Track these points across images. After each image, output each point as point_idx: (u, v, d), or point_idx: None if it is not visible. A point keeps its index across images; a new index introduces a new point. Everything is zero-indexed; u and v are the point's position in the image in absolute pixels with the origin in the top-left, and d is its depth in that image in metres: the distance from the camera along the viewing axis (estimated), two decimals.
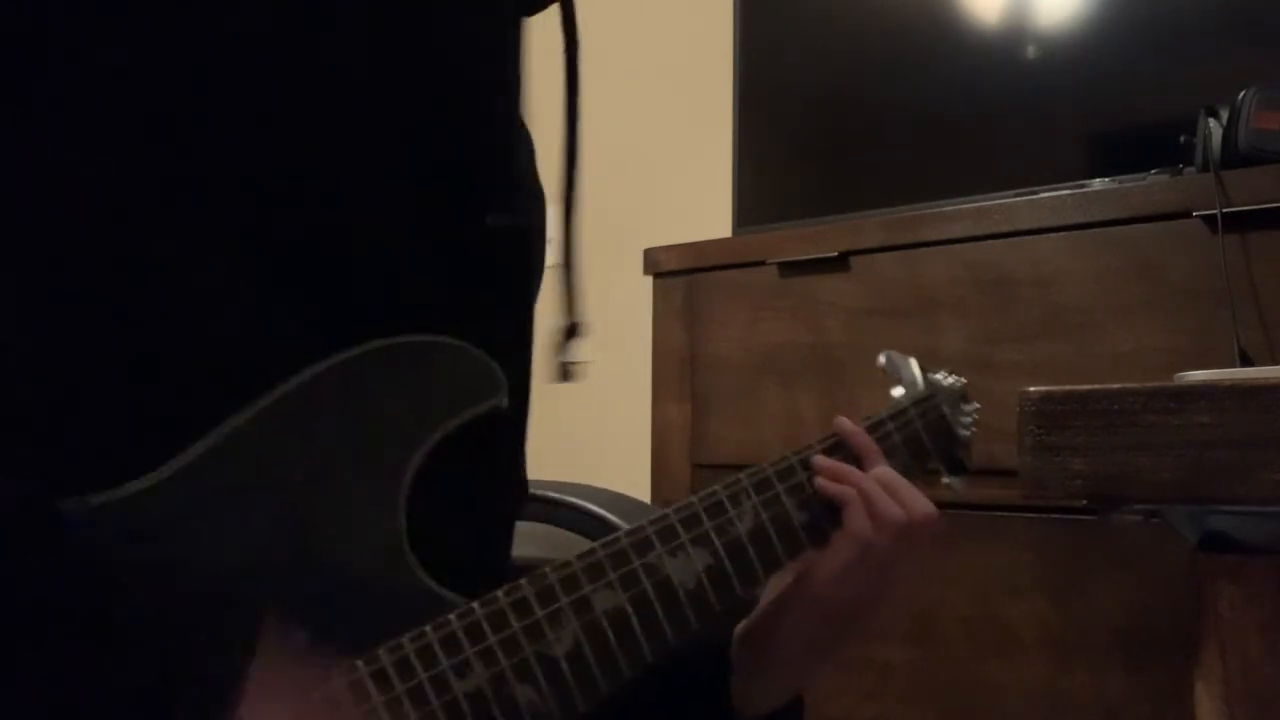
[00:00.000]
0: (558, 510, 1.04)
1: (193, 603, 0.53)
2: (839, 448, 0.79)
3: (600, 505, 1.02)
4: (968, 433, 0.92)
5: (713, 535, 0.71)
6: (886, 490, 0.75)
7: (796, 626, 0.76)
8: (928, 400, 0.89)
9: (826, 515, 0.76)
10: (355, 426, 0.61)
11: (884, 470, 0.78)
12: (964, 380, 0.94)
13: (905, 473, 0.84)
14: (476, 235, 0.68)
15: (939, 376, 0.93)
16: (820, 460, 0.77)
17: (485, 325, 0.65)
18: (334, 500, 0.59)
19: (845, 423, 0.80)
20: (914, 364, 0.93)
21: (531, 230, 0.75)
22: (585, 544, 0.76)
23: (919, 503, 0.76)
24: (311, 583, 0.58)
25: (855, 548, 0.74)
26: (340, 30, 0.62)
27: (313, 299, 0.60)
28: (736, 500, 0.73)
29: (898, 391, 0.90)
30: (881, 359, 0.93)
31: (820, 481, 0.76)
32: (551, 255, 0.77)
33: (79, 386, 0.55)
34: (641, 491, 1.67)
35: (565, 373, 0.76)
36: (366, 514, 0.60)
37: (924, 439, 0.87)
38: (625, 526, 0.69)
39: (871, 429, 0.82)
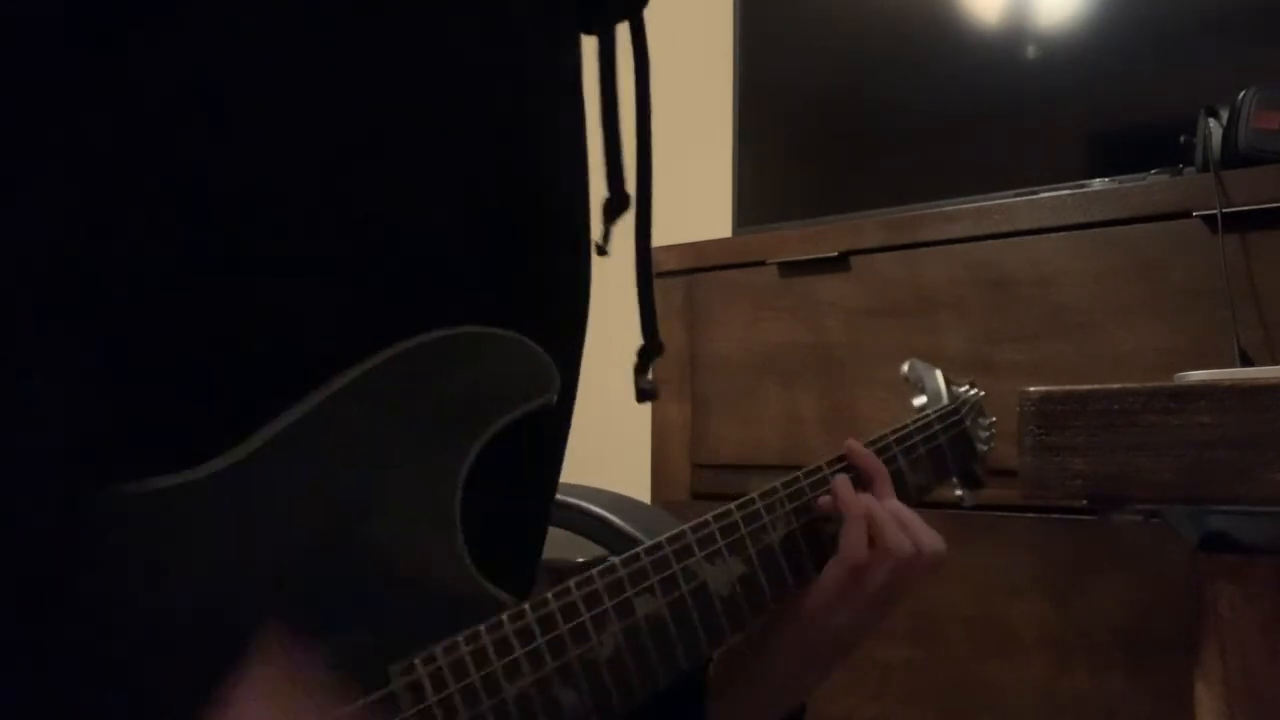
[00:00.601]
0: (559, 511, 1.04)
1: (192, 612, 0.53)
2: (851, 468, 0.79)
3: (601, 506, 1.02)
4: (986, 447, 0.92)
5: (748, 543, 0.71)
6: (896, 521, 0.74)
7: (783, 651, 0.74)
8: (953, 414, 0.89)
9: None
10: (411, 421, 0.61)
11: (894, 504, 0.76)
12: (983, 393, 0.94)
13: (926, 487, 0.84)
14: (552, 250, 0.69)
15: (962, 389, 0.93)
16: (835, 481, 0.75)
17: (542, 326, 0.65)
18: (390, 496, 0.59)
19: (855, 445, 0.79)
20: (939, 375, 0.92)
21: (582, 234, 0.75)
22: (586, 544, 0.77)
23: (928, 537, 0.74)
24: (365, 580, 0.58)
25: (846, 568, 0.72)
26: (359, 33, 0.61)
27: (353, 295, 0.60)
28: (772, 508, 0.73)
29: (919, 401, 0.90)
30: (905, 368, 0.93)
31: (824, 500, 0.75)
32: (625, 275, 0.77)
33: (128, 380, 0.55)
34: (641, 491, 1.67)
35: (646, 393, 0.77)
36: (422, 511, 0.60)
37: (947, 453, 0.87)
38: (626, 527, 0.69)
39: (899, 440, 0.82)
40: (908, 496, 0.82)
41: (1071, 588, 1.31)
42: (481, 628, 0.59)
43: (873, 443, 0.82)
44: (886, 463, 0.80)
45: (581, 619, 0.62)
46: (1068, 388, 0.66)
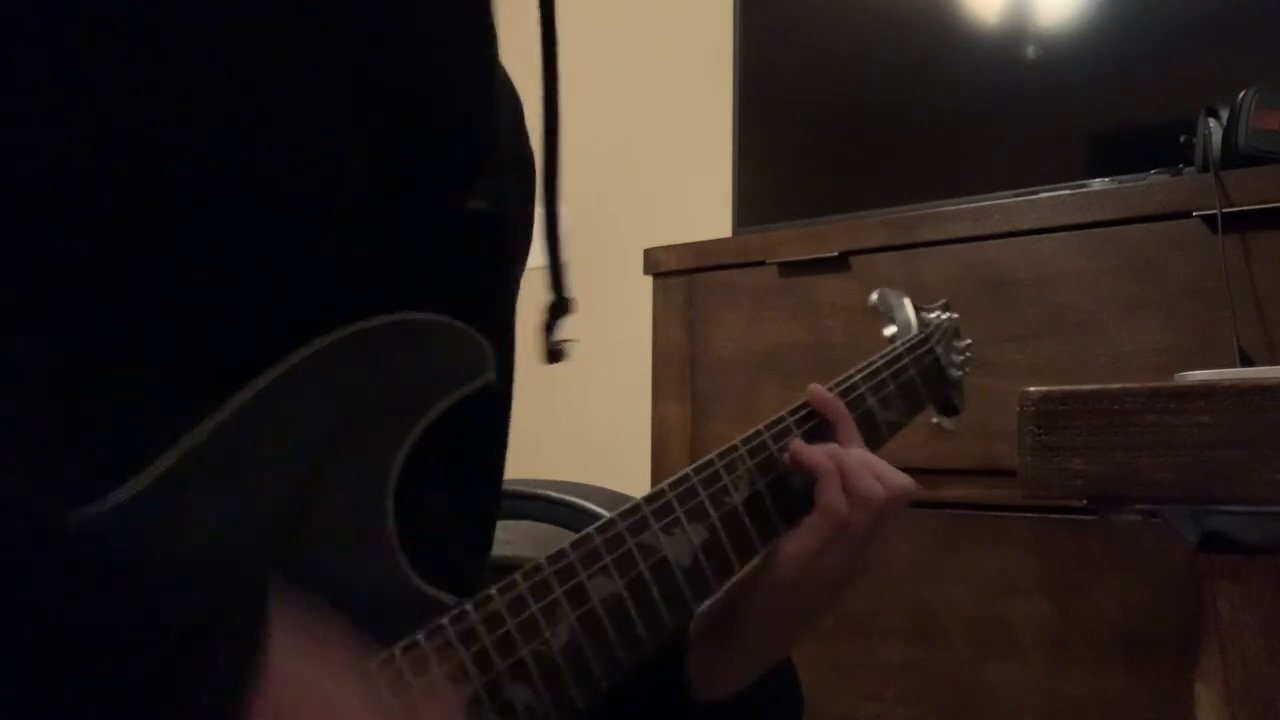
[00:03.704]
0: (558, 510, 1.04)
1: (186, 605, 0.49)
2: (814, 415, 0.77)
3: (600, 505, 1.02)
4: (960, 373, 0.90)
5: (709, 507, 0.68)
6: (865, 468, 0.72)
7: (765, 607, 0.73)
8: (922, 344, 0.86)
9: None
10: (339, 417, 0.57)
11: (859, 451, 0.75)
12: (956, 316, 0.91)
13: (897, 423, 0.81)
14: (452, 212, 0.64)
15: (933, 315, 0.90)
16: (794, 446, 0.74)
17: (467, 303, 0.62)
18: (320, 499, 0.56)
19: (818, 390, 0.77)
20: (908, 303, 0.90)
21: (513, 204, 0.70)
22: None
23: (895, 477, 0.73)
24: (299, 588, 0.53)
25: (828, 525, 0.71)
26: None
27: (279, 285, 0.57)
28: (732, 468, 0.70)
29: (890, 331, 0.88)
30: (874, 296, 0.91)
31: (789, 457, 0.73)
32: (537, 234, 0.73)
33: (34, 396, 0.51)
34: (641, 491, 1.67)
35: (554, 353, 0.72)
36: (354, 512, 0.57)
37: (918, 384, 0.84)
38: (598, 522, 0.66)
39: (866, 378, 0.80)
40: (879, 435, 0.80)
41: (1071, 588, 1.31)
42: (420, 635, 0.56)
43: (838, 384, 0.79)
44: (855, 403, 0.78)
45: (530, 611, 0.59)
46: (1068, 388, 0.66)
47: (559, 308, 0.73)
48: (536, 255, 0.73)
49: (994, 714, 1.35)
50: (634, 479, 1.65)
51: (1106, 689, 1.27)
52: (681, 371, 1.67)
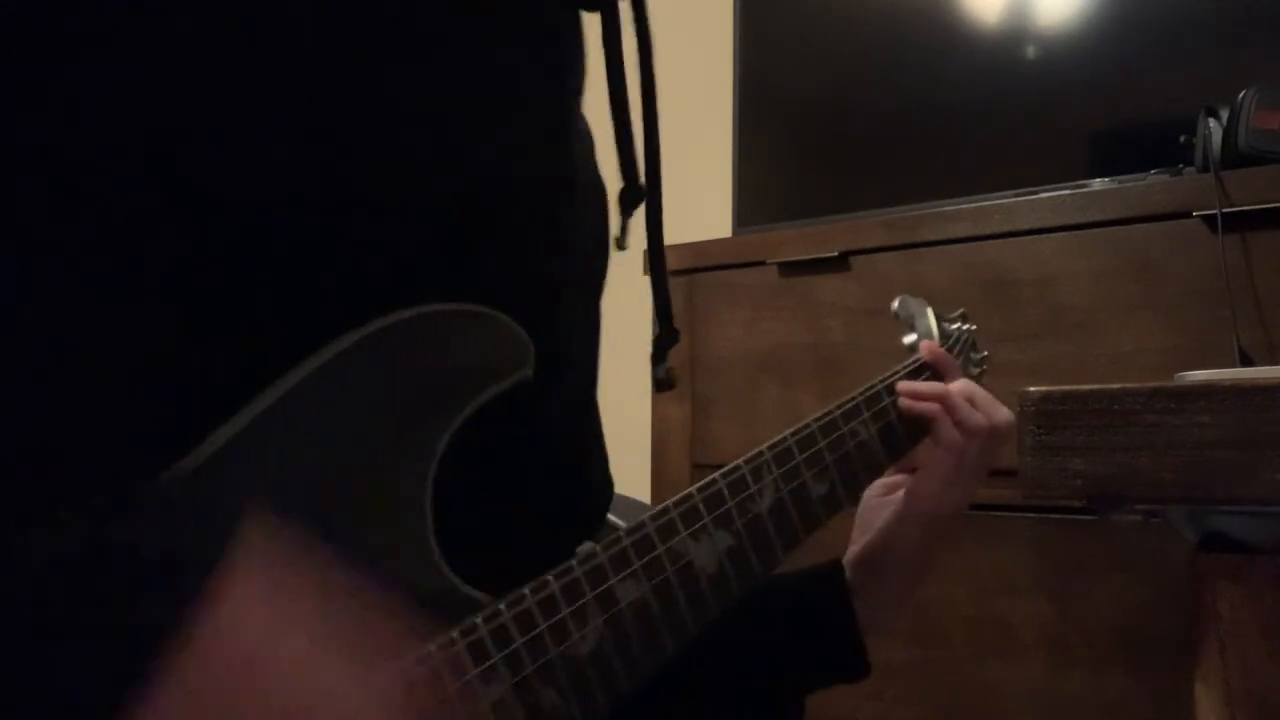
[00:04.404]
0: None
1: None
2: (920, 371, 0.85)
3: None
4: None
5: (734, 514, 0.69)
6: (969, 401, 0.82)
7: (911, 543, 0.82)
8: (924, 368, 0.87)
9: (846, 483, 0.76)
10: (374, 411, 0.57)
11: (963, 383, 0.84)
12: (974, 327, 0.96)
13: (904, 448, 0.84)
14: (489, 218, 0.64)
15: (954, 326, 0.93)
16: (902, 385, 0.82)
17: (507, 299, 0.61)
18: (354, 494, 0.56)
19: (931, 345, 0.87)
20: (930, 313, 0.93)
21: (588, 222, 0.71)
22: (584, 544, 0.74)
23: (999, 411, 0.83)
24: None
25: (951, 457, 0.81)
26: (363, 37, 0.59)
27: (315, 281, 0.57)
28: (758, 475, 0.72)
29: (909, 339, 0.91)
30: (895, 304, 0.94)
31: (904, 403, 0.81)
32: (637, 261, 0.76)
33: (76, 389, 0.51)
34: (641, 491, 1.67)
35: (662, 382, 0.76)
36: (389, 507, 0.57)
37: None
38: (625, 526, 0.67)
39: (889, 389, 0.84)
40: (899, 446, 0.83)
41: (1071, 588, 1.31)
42: (455, 632, 0.56)
43: (830, 412, 0.81)
44: (853, 433, 0.81)
45: (562, 615, 0.59)
46: (1068, 388, 0.66)
47: (667, 339, 0.79)
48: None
49: (994, 714, 1.35)
50: (634, 479, 1.65)
51: (1106, 689, 1.27)
52: (681, 371, 1.67)
